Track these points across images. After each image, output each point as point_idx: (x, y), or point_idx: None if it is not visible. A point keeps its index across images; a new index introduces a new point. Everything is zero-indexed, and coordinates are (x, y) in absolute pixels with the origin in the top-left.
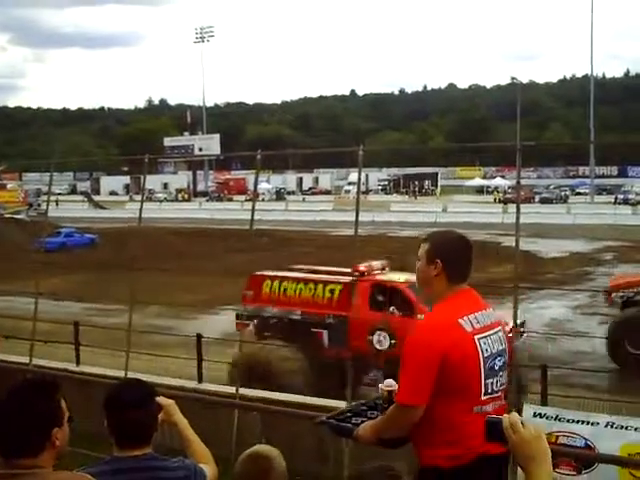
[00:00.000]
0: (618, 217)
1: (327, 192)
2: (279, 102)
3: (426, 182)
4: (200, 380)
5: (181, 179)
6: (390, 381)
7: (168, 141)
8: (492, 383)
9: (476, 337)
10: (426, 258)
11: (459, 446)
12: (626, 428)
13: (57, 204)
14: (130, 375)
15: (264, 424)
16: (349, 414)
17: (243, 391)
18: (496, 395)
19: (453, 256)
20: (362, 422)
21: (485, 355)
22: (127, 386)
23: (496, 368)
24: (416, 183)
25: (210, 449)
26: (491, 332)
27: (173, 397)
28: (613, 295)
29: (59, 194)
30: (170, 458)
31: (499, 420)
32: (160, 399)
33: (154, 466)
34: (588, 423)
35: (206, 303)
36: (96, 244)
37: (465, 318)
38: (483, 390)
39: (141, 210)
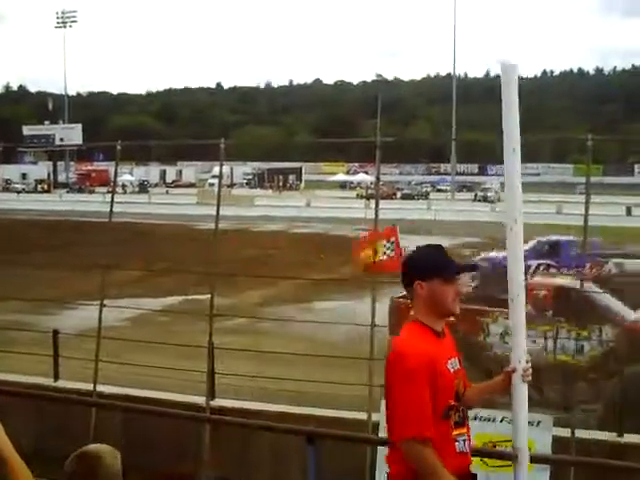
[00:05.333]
0: (477, 214)
1: (191, 185)
2: (144, 92)
3: (290, 177)
4: (56, 378)
5: (41, 170)
6: None
7: (27, 130)
8: None
9: None
10: None
11: None
12: (480, 418)
13: None
14: None
15: (124, 422)
16: None
17: (102, 388)
18: None
19: None
20: None
21: None
22: None
23: None
24: (280, 177)
25: (66, 449)
26: None
27: (27, 396)
28: None
29: None
30: None
31: None
32: None
33: None
34: None
35: (63, 298)
36: None
37: None
38: None
39: None
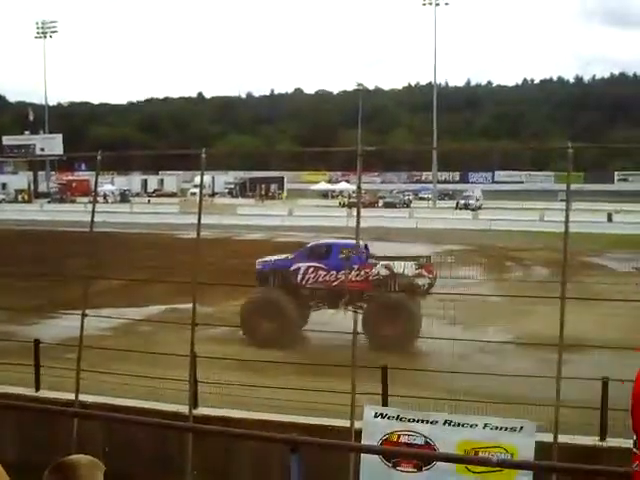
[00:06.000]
0: (459, 221)
1: (173, 194)
2: (125, 103)
3: (272, 186)
4: (37, 388)
5: (21, 180)
6: None
7: (7, 140)
8: None
9: None
10: None
11: None
12: (462, 425)
13: None
14: None
15: (105, 431)
16: None
17: (83, 398)
18: None
19: None
20: None
21: None
22: None
23: None
24: (262, 187)
25: (48, 459)
26: None
27: (8, 407)
28: None
29: None
30: None
31: None
32: None
33: None
34: (427, 422)
35: (45, 308)
36: None
37: None
38: None
39: None
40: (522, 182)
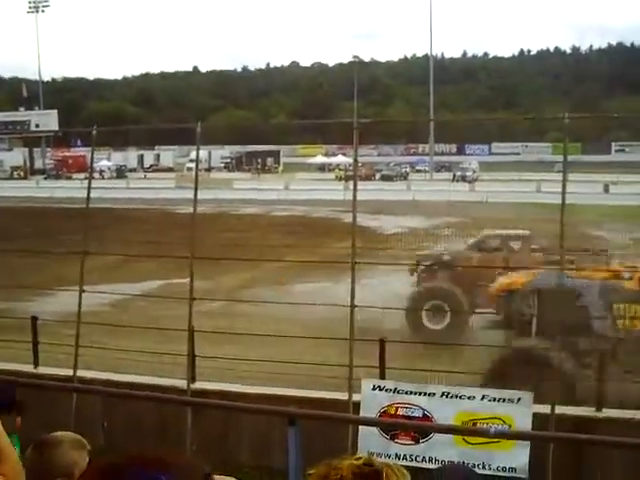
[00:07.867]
0: (456, 193)
1: (169, 169)
2: (120, 78)
3: (269, 159)
4: (36, 364)
5: (17, 156)
6: None
7: (1, 116)
8: None
9: None
10: None
11: None
12: (460, 397)
13: None
14: None
15: (105, 405)
16: None
17: (82, 373)
18: None
19: None
20: None
21: None
22: None
23: None
24: (259, 161)
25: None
26: None
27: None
28: None
29: None
30: None
31: None
32: None
33: None
34: (425, 394)
35: (42, 284)
36: None
37: None
38: None
39: None
40: (519, 153)
